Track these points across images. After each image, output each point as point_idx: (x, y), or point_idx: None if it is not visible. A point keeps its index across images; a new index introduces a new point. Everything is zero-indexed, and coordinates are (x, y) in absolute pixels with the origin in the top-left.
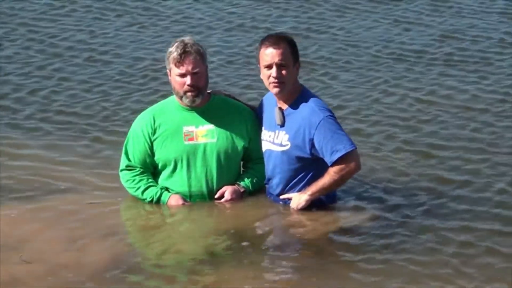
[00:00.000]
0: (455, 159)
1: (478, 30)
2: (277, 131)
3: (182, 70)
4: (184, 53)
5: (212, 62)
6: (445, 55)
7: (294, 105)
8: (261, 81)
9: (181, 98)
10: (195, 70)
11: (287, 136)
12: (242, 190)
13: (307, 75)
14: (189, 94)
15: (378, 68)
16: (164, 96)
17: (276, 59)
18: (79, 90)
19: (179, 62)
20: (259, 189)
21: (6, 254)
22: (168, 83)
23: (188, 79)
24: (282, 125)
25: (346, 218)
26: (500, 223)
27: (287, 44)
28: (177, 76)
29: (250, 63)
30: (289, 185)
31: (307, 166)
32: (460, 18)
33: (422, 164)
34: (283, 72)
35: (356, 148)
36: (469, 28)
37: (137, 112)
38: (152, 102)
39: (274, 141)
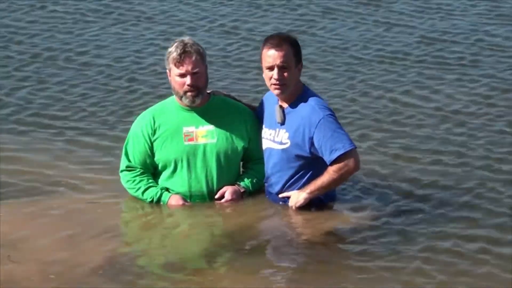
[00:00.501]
0: (444, 159)
1: (460, 32)
2: (277, 129)
3: (182, 70)
4: (183, 53)
5: None
6: (427, 57)
7: (295, 104)
8: (241, 83)
9: (180, 98)
10: (195, 70)
11: (287, 134)
12: (242, 190)
13: None
14: (189, 94)
15: (360, 69)
16: (154, 95)
17: (278, 61)
18: (58, 91)
19: (179, 62)
20: (259, 189)
21: (2, 253)
22: (154, 83)
23: (188, 79)
24: (283, 123)
25: (345, 217)
26: (495, 227)
27: (289, 46)
28: (177, 76)
29: (229, 65)
30: (288, 183)
31: (307, 164)
32: (442, 20)
33: (419, 164)
34: (285, 74)
35: (355, 147)
36: (451, 29)
37: (127, 112)
38: (143, 102)
39: (275, 139)
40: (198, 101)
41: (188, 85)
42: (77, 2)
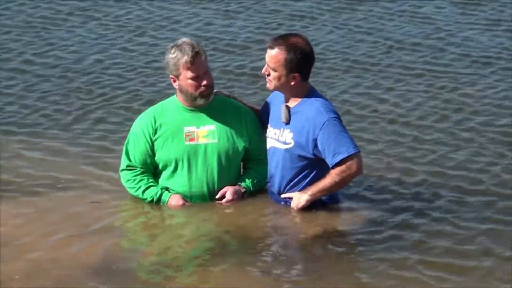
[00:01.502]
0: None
1: (432, 39)
2: (282, 129)
3: (197, 72)
4: (195, 56)
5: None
6: (395, 64)
7: (301, 105)
8: None
9: (195, 99)
10: (206, 70)
11: (291, 135)
12: (243, 190)
13: (253, 85)
14: (205, 94)
15: (331, 76)
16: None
17: (267, 59)
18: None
19: (193, 65)
20: (260, 189)
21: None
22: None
23: (204, 80)
24: (288, 123)
25: (347, 219)
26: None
27: (283, 52)
28: (190, 79)
29: None
30: (291, 183)
31: (310, 165)
32: (414, 27)
33: (418, 166)
34: (271, 73)
35: (359, 151)
36: (421, 37)
37: (128, 111)
38: (144, 101)
39: (279, 138)
40: (211, 99)
41: (204, 85)
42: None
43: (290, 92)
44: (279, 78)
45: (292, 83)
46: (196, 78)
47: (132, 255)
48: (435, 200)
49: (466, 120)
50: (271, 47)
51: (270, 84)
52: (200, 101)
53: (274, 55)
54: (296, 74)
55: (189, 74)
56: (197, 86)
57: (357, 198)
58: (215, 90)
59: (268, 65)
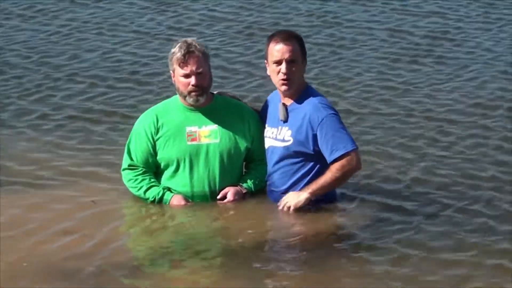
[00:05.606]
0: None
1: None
2: (280, 127)
3: (186, 70)
4: (187, 53)
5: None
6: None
7: (298, 101)
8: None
9: (184, 98)
10: (199, 70)
11: (289, 132)
12: (244, 191)
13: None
14: (193, 94)
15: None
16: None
17: (286, 56)
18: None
19: (183, 62)
20: (261, 190)
21: None
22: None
23: (192, 79)
24: (285, 121)
25: (346, 218)
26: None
27: (296, 41)
28: (181, 77)
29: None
30: (291, 181)
31: (309, 161)
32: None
33: (418, 164)
34: (293, 68)
35: (357, 147)
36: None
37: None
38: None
39: (277, 137)
40: (202, 100)
41: (193, 85)
42: None
43: (299, 82)
44: (298, 70)
45: (303, 71)
46: (186, 76)
47: (132, 255)
48: (435, 199)
49: (466, 117)
50: (286, 43)
51: (290, 83)
52: (189, 100)
53: (292, 47)
54: (306, 60)
55: (180, 71)
56: (187, 85)
57: (356, 197)
58: (217, 91)
59: (286, 63)
